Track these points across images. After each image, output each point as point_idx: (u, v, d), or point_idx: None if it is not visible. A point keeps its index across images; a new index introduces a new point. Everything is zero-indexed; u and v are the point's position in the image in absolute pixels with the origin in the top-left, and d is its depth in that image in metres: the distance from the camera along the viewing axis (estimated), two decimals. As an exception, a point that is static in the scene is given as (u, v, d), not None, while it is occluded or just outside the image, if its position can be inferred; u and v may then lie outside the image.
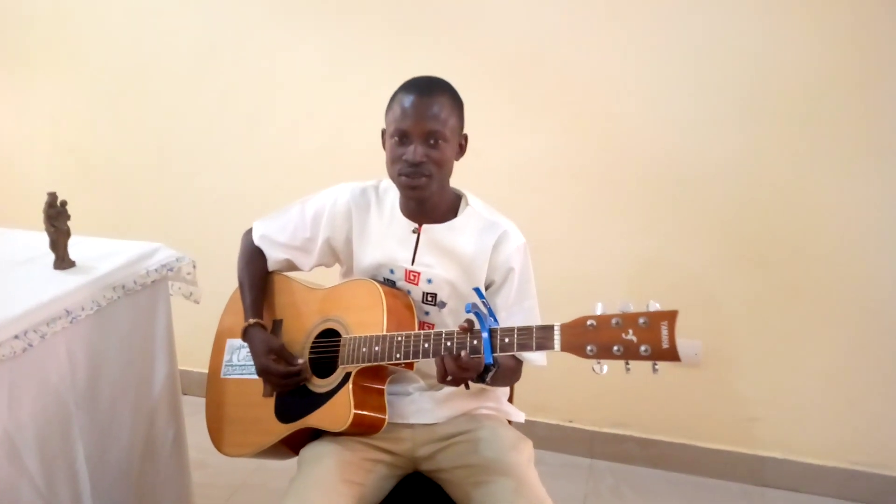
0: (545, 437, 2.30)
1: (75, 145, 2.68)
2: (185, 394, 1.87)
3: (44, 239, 1.64)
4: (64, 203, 1.50)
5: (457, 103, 1.42)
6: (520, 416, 1.61)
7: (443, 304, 1.48)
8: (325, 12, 2.28)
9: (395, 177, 1.42)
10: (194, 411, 1.87)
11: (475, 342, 1.23)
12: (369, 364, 1.38)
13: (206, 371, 1.66)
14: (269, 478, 2.24)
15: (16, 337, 1.29)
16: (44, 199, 2.57)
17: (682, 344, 2.23)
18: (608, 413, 2.36)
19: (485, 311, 1.24)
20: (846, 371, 2.12)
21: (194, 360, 2.13)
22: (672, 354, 1.09)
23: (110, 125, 2.62)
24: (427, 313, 1.49)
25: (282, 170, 2.45)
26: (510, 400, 1.65)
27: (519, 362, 1.48)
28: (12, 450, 1.33)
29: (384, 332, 1.38)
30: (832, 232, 2.04)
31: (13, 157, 2.76)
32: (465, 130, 1.46)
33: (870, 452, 2.15)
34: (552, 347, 1.17)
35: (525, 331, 1.20)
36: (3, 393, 1.30)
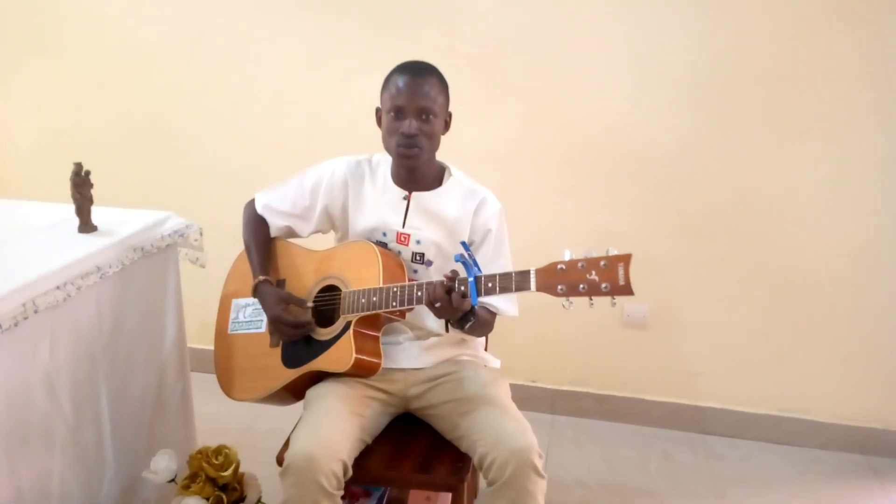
0: (511, 396, 2.53)
1: (60, 128, 2.76)
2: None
3: (57, 209, 1.82)
4: (88, 172, 1.66)
5: (444, 84, 1.63)
6: (495, 362, 1.83)
7: (430, 263, 1.69)
8: (307, 3, 2.44)
9: (392, 148, 1.62)
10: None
11: (463, 288, 1.44)
12: (368, 312, 1.58)
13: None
14: (258, 439, 2.39)
15: (57, 288, 1.45)
16: (26, 177, 2.72)
17: (632, 307, 2.51)
18: (567, 373, 2.59)
19: (470, 261, 1.45)
20: (774, 330, 2.40)
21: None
22: (627, 290, 1.32)
23: (95, 109, 2.70)
24: (416, 271, 1.70)
25: (264, 153, 2.59)
26: (486, 349, 1.88)
27: (493, 315, 1.69)
28: (51, 390, 1.49)
29: (381, 285, 1.58)
30: (762, 207, 2.30)
31: (-4, 138, 2.84)
32: None
33: (795, 400, 2.43)
34: (529, 288, 1.38)
35: (505, 276, 1.42)
36: (46, 339, 1.46)
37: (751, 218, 2.32)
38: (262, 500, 1.80)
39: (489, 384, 1.66)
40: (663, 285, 2.42)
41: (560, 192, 2.43)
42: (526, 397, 2.52)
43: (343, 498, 1.53)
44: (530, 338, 2.52)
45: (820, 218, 2.28)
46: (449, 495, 1.64)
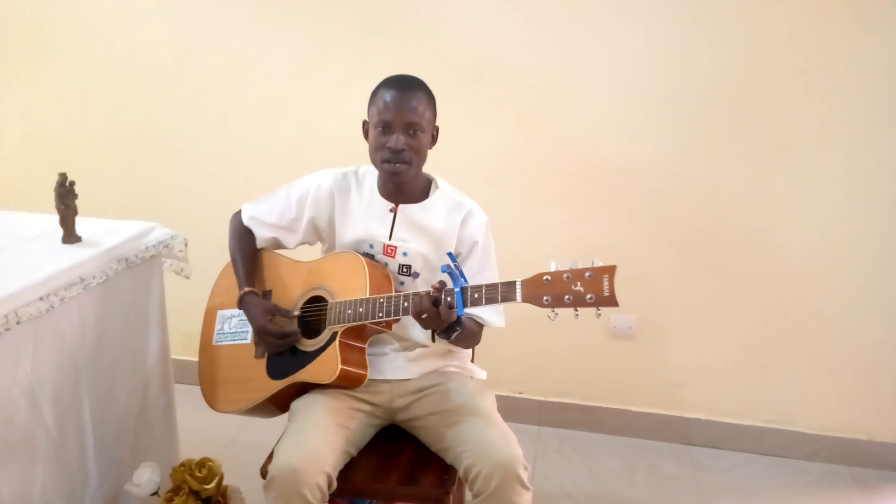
0: (497, 407, 2.54)
1: (45, 137, 2.73)
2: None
3: (42, 219, 1.81)
4: (72, 183, 1.65)
5: (431, 99, 1.64)
6: (482, 374, 1.83)
7: (416, 275, 1.69)
8: (296, 14, 2.44)
9: (379, 163, 1.62)
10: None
11: (449, 299, 1.44)
12: (355, 323, 1.58)
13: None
14: (242, 451, 2.39)
15: (40, 299, 1.45)
16: (9, 187, 2.70)
17: (619, 318, 2.51)
18: (554, 384, 2.59)
19: (457, 272, 1.46)
20: (759, 341, 2.41)
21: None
22: (611, 301, 1.33)
23: (81, 118, 2.68)
24: (402, 283, 1.70)
25: (251, 163, 2.58)
26: (472, 361, 1.88)
27: (480, 326, 1.70)
28: (33, 401, 1.48)
29: (367, 296, 1.58)
30: (747, 219, 2.32)
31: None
32: None
33: (780, 411, 2.44)
34: (515, 299, 1.39)
35: (492, 287, 1.42)
36: (28, 350, 1.45)
37: (736, 230, 2.34)
38: (247, 512, 1.79)
39: (475, 395, 1.66)
40: (649, 297, 2.43)
41: (547, 203, 2.44)
42: (512, 408, 2.53)
43: (328, 511, 1.53)
44: (517, 349, 2.52)
45: (804, 230, 2.30)
46: (435, 508, 1.63)
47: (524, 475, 1.46)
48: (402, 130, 1.58)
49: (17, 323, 1.39)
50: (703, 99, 2.26)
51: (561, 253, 2.41)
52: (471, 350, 1.86)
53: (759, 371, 2.43)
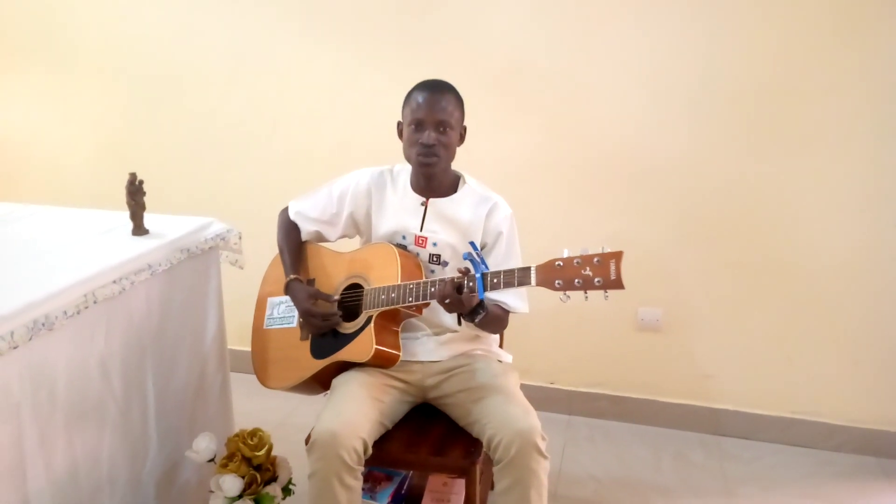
0: (529, 397, 2.56)
1: (115, 144, 2.98)
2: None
3: (115, 215, 2.02)
4: (141, 182, 1.86)
5: (459, 100, 1.79)
6: (507, 357, 1.96)
7: (445, 264, 1.84)
8: (339, 29, 2.63)
9: (413, 157, 1.78)
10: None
11: (471, 284, 1.59)
12: (388, 307, 1.74)
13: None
14: (291, 432, 2.54)
15: (114, 282, 1.65)
16: (84, 189, 2.95)
17: (646, 311, 2.61)
18: (585, 375, 2.69)
19: (478, 259, 1.60)
20: (785, 333, 2.48)
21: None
22: (618, 284, 1.45)
23: (147, 127, 2.93)
24: (433, 271, 1.85)
25: (298, 166, 2.77)
26: (500, 346, 2.01)
27: (505, 312, 1.83)
28: (105, 373, 1.67)
29: (399, 283, 1.74)
30: (771, 214, 2.39)
31: (58, 155, 3.07)
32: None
33: (806, 402, 2.50)
34: (530, 283, 1.52)
35: (509, 272, 1.55)
36: (102, 326, 1.65)
37: (760, 224, 2.41)
38: (293, 481, 1.96)
39: (499, 375, 1.80)
40: (676, 290, 2.52)
41: (575, 201, 2.55)
42: (544, 398, 2.63)
43: (365, 482, 1.69)
44: (548, 341, 2.64)
45: (828, 224, 2.36)
46: (464, 482, 1.77)
47: (542, 444, 1.59)
48: (433, 127, 1.73)
49: (94, 302, 1.59)
50: (726, 97, 2.34)
51: (588, 249, 2.54)
52: (498, 336, 1.99)
53: (785, 363, 2.49)
